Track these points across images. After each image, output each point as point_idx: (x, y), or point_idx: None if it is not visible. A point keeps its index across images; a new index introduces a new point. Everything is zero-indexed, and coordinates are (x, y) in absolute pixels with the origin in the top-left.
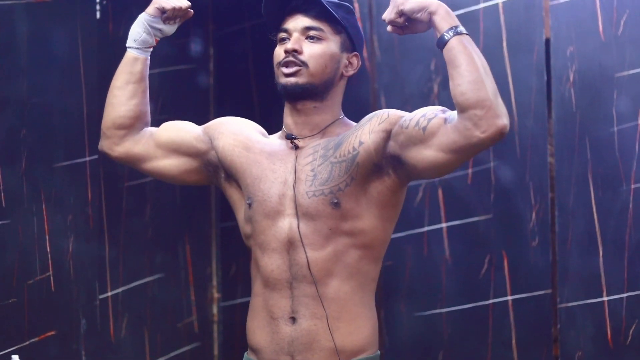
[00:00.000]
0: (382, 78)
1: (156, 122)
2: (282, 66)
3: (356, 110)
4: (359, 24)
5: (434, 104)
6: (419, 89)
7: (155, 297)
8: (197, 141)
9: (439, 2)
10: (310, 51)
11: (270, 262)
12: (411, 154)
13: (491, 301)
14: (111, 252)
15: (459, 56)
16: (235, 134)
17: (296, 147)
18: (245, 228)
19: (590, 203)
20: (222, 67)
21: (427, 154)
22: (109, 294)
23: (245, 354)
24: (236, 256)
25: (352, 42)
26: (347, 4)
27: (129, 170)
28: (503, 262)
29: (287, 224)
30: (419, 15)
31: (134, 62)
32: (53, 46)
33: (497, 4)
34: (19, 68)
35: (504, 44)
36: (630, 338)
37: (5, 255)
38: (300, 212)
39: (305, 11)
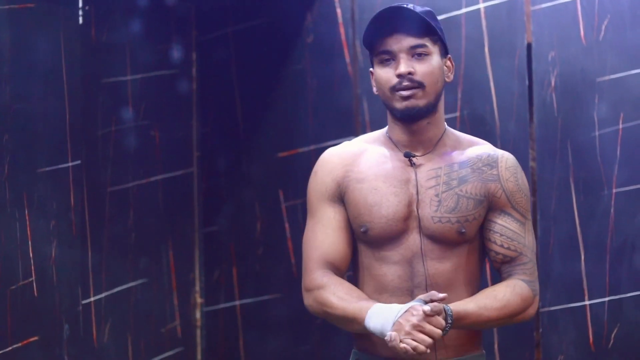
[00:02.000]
0: (365, 83)
1: (138, 128)
2: (399, 90)
3: (338, 115)
4: (341, 29)
5: None
6: None
7: (138, 302)
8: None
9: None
10: (423, 70)
11: (389, 272)
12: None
13: None
14: (94, 257)
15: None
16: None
17: (412, 164)
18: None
19: (572, 207)
20: (205, 73)
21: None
22: (92, 299)
23: (354, 350)
24: (219, 261)
25: (445, 47)
26: (430, 8)
27: (111, 176)
28: (485, 266)
29: (411, 241)
30: None
31: None
32: (35, 52)
33: (479, 9)
34: (1, 73)
35: (486, 48)
36: (612, 342)
37: None
38: (425, 234)
39: (407, 30)
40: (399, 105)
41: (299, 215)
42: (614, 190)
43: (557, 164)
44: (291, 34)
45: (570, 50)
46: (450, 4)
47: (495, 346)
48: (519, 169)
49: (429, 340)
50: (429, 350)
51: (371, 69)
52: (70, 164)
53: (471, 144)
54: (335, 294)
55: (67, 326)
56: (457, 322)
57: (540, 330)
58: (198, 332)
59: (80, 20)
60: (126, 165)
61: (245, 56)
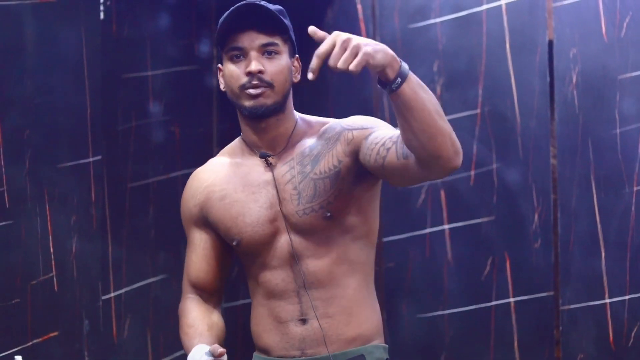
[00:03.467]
0: None
1: (159, 124)
2: (248, 89)
3: (359, 111)
4: (362, 25)
5: None
6: None
7: (158, 298)
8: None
9: (390, 52)
10: (272, 69)
11: (273, 277)
12: (377, 173)
13: (493, 303)
14: (114, 252)
15: (411, 104)
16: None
17: (269, 164)
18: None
19: (592, 205)
20: None
21: (388, 178)
22: (112, 294)
23: (254, 354)
24: (238, 258)
25: (294, 46)
26: (280, 6)
27: (132, 171)
28: (505, 263)
29: (283, 242)
30: (375, 70)
31: None
32: (57, 47)
33: (500, 6)
34: (23, 68)
35: (507, 45)
36: (632, 340)
37: (9, 255)
38: (294, 230)
39: (259, 27)
40: (247, 103)
41: None
42: (635, 188)
43: (578, 161)
44: None
45: (591, 47)
46: (471, 1)
47: (515, 344)
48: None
49: None
50: None
51: (219, 65)
52: (91, 159)
53: (322, 125)
54: (184, 325)
55: (87, 321)
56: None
57: (560, 328)
58: None
59: (102, 15)
60: (146, 161)
61: None
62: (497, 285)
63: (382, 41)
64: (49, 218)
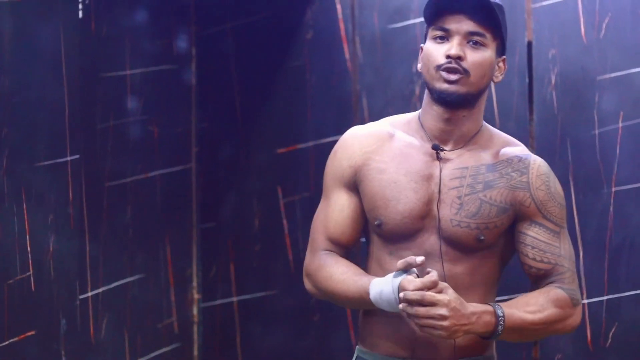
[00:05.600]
0: (365, 79)
1: (137, 123)
2: (443, 71)
3: (338, 111)
4: (341, 25)
5: (415, 106)
6: (401, 90)
7: (135, 297)
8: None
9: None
10: (473, 59)
11: None
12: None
13: None
14: (92, 252)
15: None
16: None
17: (439, 158)
18: (372, 227)
19: (571, 205)
20: (204, 68)
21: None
22: (89, 294)
23: (357, 347)
24: (217, 257)
25: (504, 46)
26: (501, 3)
27: (110, 170)
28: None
29: (426, 240)
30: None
31: None
32: (35, 45)
33: None
34: (1, 66)
35: None
36: (609, 340)
37: None
38: (442, 235)
39: (470, 14)
40: (440, 85)
41: (297, 212)
42: (613, 189)
43: (557, 161)
44: (291, 30)
45: (570, 48)
46: None
47: (493, 345)
48: (552, 175)
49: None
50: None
51: (422, 45)
52: (69, 158)
53: (505, 144)
54: (335, 274)
55: (64, 321)
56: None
57: None
58: (195, 328)
59: (80, 14)
60: (124, 160)
61: (245, 51)
62: None
63: (362, 41)
64: (26, 217)
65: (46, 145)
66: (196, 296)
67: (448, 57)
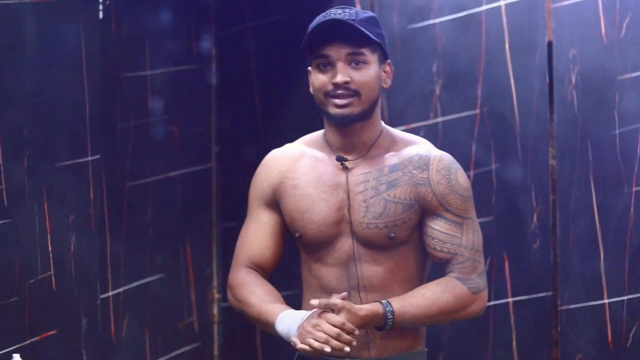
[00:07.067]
0: None
1: (158, 123)
2: (333, 97)
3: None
4: None
5: (435, 106)
6: (420, 90)
7: (156, 297)
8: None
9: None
10: (360, 78)
11: (327, 274)
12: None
13: (492, 303)
14: (112, 251)
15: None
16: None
17: (345, 168)
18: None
19: (591, 205)
20: (224, 68)
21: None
22: (110, 293)
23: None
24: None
25: (385, 51)
26: (372, 13)
27: (131, 170)
28: (504, 264)
29: (344, 244)
30: None
31: None
32: (56, 46)
33: (499, 6)
34: (23, 67)
35: (507, 45)
36: (630, 341)
37: (7, 254)
38: (356, 238)
39: (345, 41)
40: (333, 110)
41: None
42: (634, 189)
43: (577, 162)
44: None
45: (591, 48)
46: (470, 1)
47: (514, 344)
48: (454, 168)
49: (324, 336)
50: (328, 349)
51: (309, 68)
52: (90, 158)
53: (407, 144)
54: (254, 294)
55: (85, 320)
56: (398, 319)
57: (559, 328)
58: (215, 327)
59: (101, 14)
60: (145, 160)
61: (265, 51)
62: (496, 285)
63: None
64: (47, 216)
65: (67, 146)
66: (216, 295)
67: (335, 84)
